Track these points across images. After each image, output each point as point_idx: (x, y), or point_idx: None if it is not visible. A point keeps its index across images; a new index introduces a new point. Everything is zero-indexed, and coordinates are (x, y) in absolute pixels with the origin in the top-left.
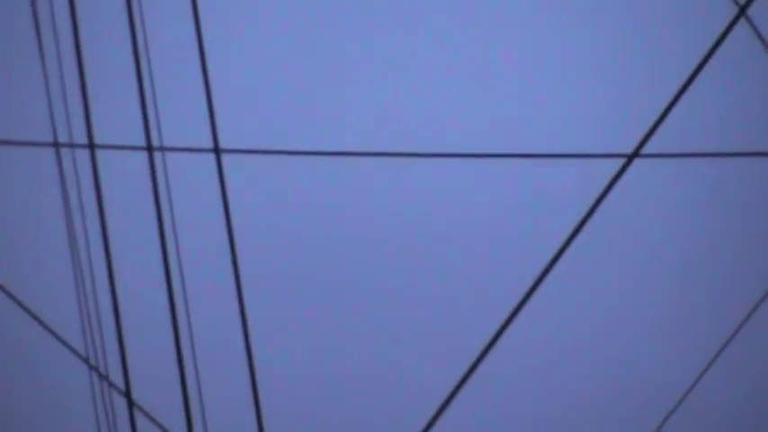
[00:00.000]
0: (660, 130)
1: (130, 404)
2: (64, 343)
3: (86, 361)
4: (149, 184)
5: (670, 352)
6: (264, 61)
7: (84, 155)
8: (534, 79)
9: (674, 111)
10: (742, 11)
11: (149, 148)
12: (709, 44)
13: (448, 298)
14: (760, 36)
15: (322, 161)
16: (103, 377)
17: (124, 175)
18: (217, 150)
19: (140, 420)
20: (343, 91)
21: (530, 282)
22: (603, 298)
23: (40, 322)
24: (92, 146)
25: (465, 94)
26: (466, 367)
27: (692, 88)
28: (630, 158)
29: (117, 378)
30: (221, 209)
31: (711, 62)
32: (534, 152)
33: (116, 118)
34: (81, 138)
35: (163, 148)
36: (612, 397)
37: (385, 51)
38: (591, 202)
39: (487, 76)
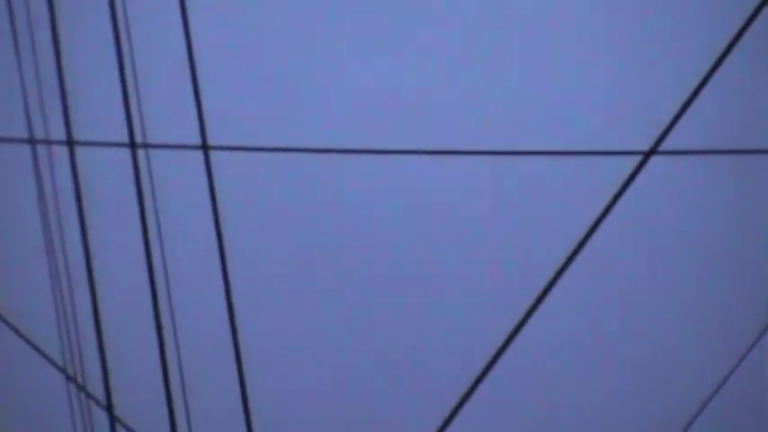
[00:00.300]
0: (678, 126)
1: (112, 418)
2: (39, 351)
3: (64, 371)
4: (133, 184)
5: (692, 353)
6: (253, 55)
7: (62, 152)
8: (549, 75)
9: (693, 106)
10: (764, 2)
11: (132, 145)
12: (729, 38)
13: (458, 299)
14: None
15: (315, 159)
16: (81, 388)
17: (106, 173)
18: (205, 147)
19: None
20: (338, 86)
21: (545, 281)
22: (620, 297)
23: (14, 329)
24: (71, 142)
25: (476, 89)
26: (478, 370)
27: (711, 83)
28: (648, 155)
29: (97, 390)
30: (209, 209)
31: (731, 56)
32: (550, 149)
33: (97, 113)
34: (59, 134)
35: (147, 145)
36: (632, 399)
37: (385, 43)
38: (607, 199)
39: (501, 71)
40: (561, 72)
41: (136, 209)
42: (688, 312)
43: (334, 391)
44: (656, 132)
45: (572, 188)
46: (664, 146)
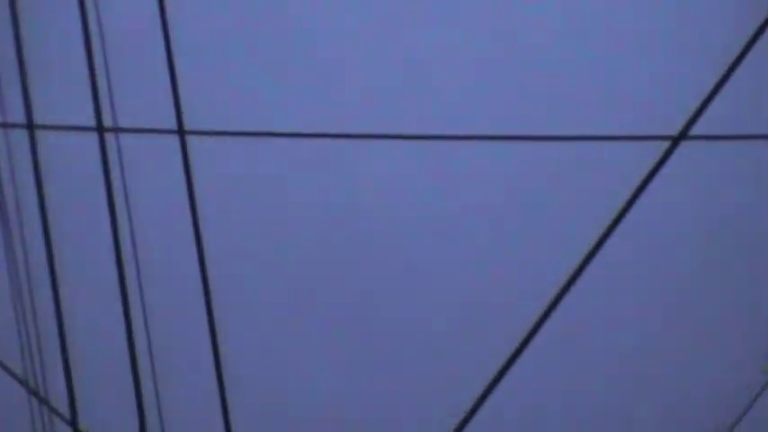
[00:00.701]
0: (708, 110)
1: None
2: None
3: (24, 383)
4: (100, 171)
5: (728, 352)
6: (234, 33)
7: (21, 137)
8: (573, 57)
9: (724, 90)
10: None
11: (100, 129)
12: (761, 21)
13: (467, 296)
14: None
15: (300, 144)
16: (44, 401)
17: (71, 161)
18: (181, 132)
19: None
20: (329, 66)
21: (569, 272)
22: (648, 287)
23: None
24: (31, 126)
25: (497, 72)
26: (492, 374)
27: (742, 67)
28: (676, 141)
29: (61, 403)
30: (186, 199)
31: (764, 39)
32: (574, 134)
33: (63, 95)
34: (18, 117)
35: (117, 129)
36: (672, 397)
37: (377, 17)
38: (634, 186)
39: (522, 51)
40: (587, 55)
41: (104, 199)
42: (723, 305)
43: (325, 400)
44: (685, 117)
45: (597, 175)
46: (693, 131)
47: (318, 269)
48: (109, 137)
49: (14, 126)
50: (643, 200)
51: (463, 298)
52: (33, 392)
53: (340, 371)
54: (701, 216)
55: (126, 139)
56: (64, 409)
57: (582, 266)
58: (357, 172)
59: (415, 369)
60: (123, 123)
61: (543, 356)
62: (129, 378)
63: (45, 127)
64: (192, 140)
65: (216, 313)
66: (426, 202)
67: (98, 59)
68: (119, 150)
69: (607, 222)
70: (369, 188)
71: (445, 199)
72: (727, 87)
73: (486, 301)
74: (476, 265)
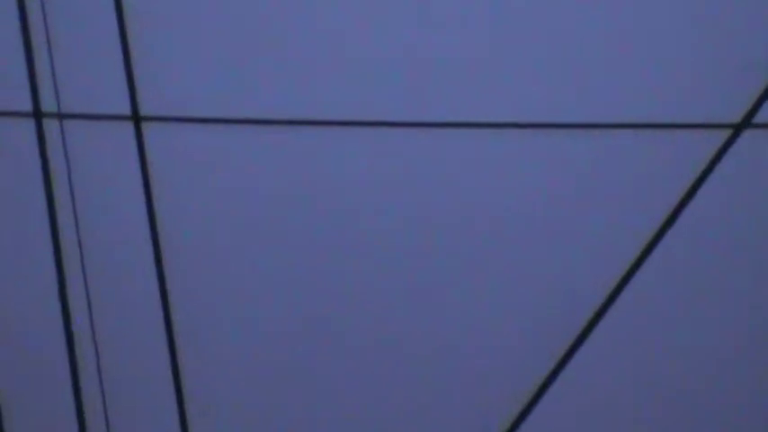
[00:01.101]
0: None
1: None
2: None
3: None
4: (39, 162)
5: None
6: (194, 7)
7: None
8: (627, 39)
9: None
10: None
11: (37, 115)
12: None
13: (502, 307)
14: None
15: (271, 132)
16: None
17: (7, 151)
18: (136, 118)
19: None
20: (308, 43)
21: (619, 275)
22: (707, 292)
23: None
24: None
25: (538, 52)
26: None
27: None
28: (739, 129)
29: None
30: (141, 193)
31: None
32: (626, 122)
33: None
34: None
35: (60, 115)
36: (730, 404)
37: None
38: (692, 179)
39: (572, 31)
40: (638, 35)
41: (43, 194)
42: None
43: (300, 422)
44: (749, 103)
45: (651, 166)
46: (758, 118)
47: (290, 269)
48: (51, 123)
49: None
50: (702, 193)
51: (491, 310)
52: None
53: (315, 387)
54: (765, 211)
55: (71, 126)
56: None
57: (634, 268)
58: (337, 163)
59: (417, 390)
60: (69, 108)
61: (588, 372)
62: (71, 400)
63: None
64: (147, 127)
65: (175, 328)
66: (459, 199)
67: (38, 35)
68: (63, 139)
69: (663, 219)
70: (355, 182)
71: (480, 195)
72: None
73: (521, 310)
74: (514, 267)
